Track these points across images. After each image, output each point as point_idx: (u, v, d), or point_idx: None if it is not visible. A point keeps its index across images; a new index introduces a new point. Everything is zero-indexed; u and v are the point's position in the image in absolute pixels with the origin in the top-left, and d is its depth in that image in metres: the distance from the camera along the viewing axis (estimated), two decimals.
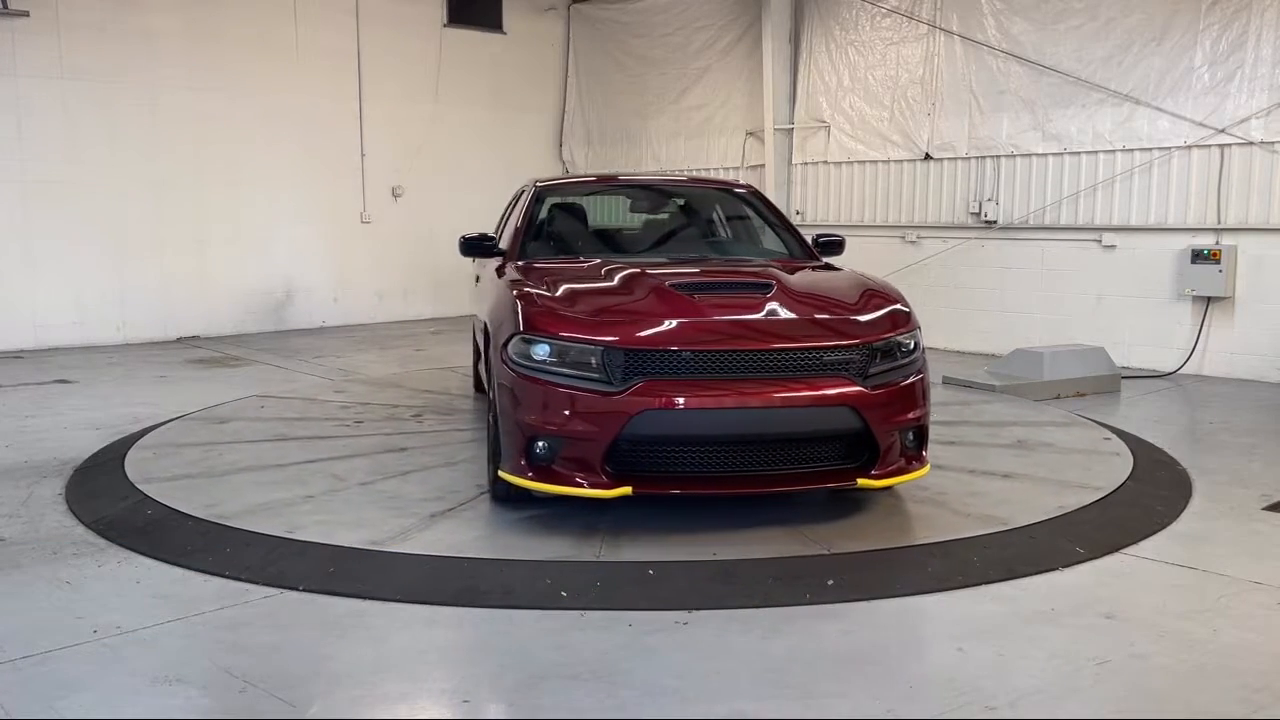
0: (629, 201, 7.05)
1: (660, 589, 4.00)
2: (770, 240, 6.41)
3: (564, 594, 3.93)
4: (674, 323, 4.59)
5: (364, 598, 3.90)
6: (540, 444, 4.45)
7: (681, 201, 6.87)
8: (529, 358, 4.53)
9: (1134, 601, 3.89)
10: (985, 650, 3.50)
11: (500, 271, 5.68)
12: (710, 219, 6.80)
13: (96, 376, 8.83)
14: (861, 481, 4.58)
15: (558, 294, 4.85)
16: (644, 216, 6.84)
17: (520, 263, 5.70)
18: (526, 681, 3.31)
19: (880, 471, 4.60)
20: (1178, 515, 4.93)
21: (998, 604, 3.90)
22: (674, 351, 4.45)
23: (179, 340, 11.10)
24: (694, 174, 12.27)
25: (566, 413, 4.39)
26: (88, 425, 6.83)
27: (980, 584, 4.06)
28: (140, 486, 5.24)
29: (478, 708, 3.15)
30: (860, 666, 3.37)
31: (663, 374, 4.40)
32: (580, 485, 4.44)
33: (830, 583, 4.03)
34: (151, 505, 4.95)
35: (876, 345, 4.65)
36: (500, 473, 4.69)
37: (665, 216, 6.78)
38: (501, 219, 7.77)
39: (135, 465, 5.68)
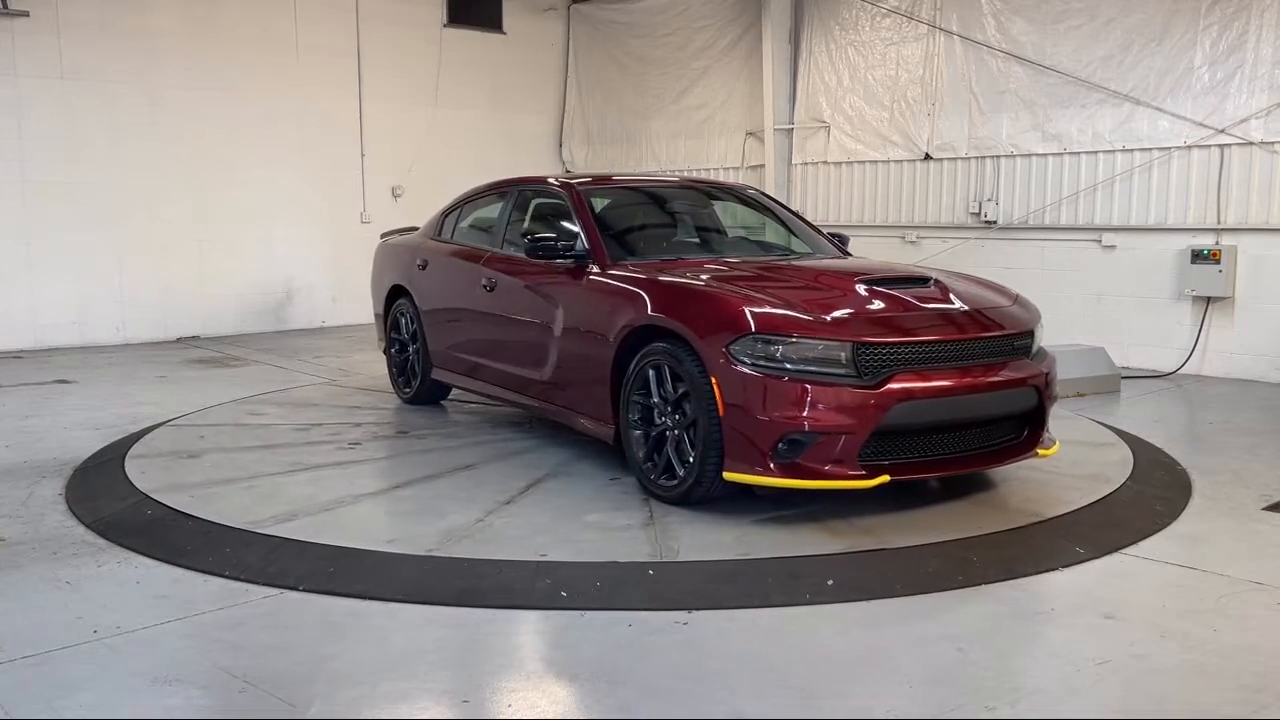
0: (664, 202, 6.78)
1: (660, 589, 4.00)
2: (805, 238, 6.49)
3: (564, 594, 3.93)
4: (904, 317, 4.81)
5: (364, 598, 3.91)
6: (786, 441, 4.46)
7: (722, 203, 6.85)
8: (770, 358, 4.52)
9: (1134, 601, 3.89)
10: (985, 650, 3.50)
11: (578, 275, 5.50)
12: (754, 219, 6.85)
13: (96, 376, 8.82)
14: (1041, 452, 5.05)
15: (764, 294, 4.86)
16: (692, 217, 6.61)
17: (624, 264, 5.49)
18: (526, 681, 3.31)
19: (1043, 444, 5.09)
20: (1178, 515, 4.93)
21: (998, 604, 3.91)
22: (917, 343, 4.67)
23: (179, 340, 11.09)
24: (694, 174, 12.29)
25: (824, 408, 4.44)
26: (88, 425, 6.83)
27: (980, 584, 4.07)
28: (268, 532, 4.51)
29: (478, 708, 3.14)
30: (860, 666, 3.37)
31: (905, 366, 4.60)
32: (839, 478, 4.50)
33: (830, 583, 4.03)
34: (152, 505, 4.94)
35: (1034, 330, 5.16)
36: (726, 475, 4.61)
37: (714, 217, 6.71)
38: (445, 216, 7.26)
39: (204, 504, 4.91)
